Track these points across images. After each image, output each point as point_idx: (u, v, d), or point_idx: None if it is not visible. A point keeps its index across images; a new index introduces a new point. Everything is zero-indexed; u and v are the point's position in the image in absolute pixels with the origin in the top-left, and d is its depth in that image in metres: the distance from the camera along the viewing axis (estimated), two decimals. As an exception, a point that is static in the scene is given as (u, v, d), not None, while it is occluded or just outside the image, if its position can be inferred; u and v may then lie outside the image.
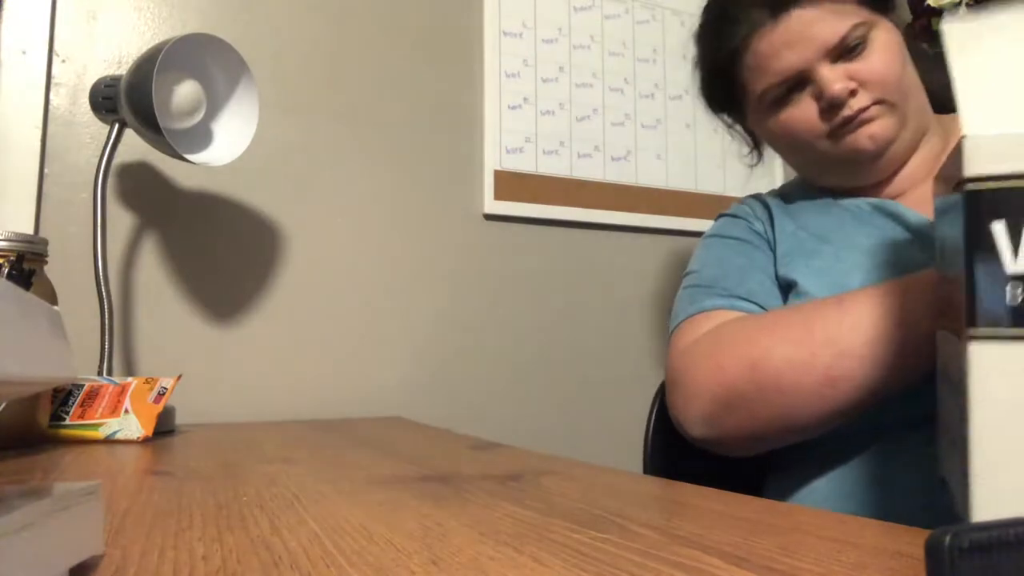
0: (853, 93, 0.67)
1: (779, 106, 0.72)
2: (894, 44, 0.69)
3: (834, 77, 0.67)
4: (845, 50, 0.68)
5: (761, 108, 0.74)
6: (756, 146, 0.86)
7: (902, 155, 0.71)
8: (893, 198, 0.72)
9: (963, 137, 0.34)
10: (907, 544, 0.29)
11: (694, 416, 0.65)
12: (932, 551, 0.18)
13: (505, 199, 1.28)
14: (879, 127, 0.68)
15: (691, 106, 1.47)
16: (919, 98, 0.71)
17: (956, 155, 0.36)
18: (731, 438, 0.63)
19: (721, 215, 0.87)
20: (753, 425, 0.61)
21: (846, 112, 0.68)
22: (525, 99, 1.32)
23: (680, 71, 1.46)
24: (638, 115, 1.42)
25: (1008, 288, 0.33)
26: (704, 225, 1.45)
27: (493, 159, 1.28)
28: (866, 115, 0.68)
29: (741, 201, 0.86)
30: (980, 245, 0.34)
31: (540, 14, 1.35)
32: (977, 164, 0.34)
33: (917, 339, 0.52)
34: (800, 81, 0.70)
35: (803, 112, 0.70)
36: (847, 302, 0.58)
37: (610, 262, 1.37)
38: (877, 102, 0.68)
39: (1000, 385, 0.32)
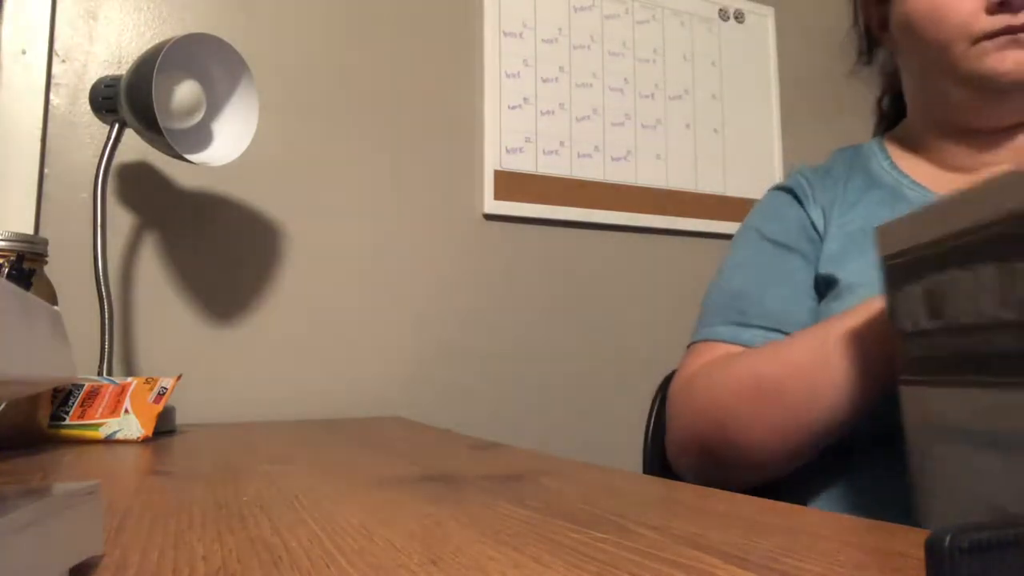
0: None
1: None
2: None
3: None
4: None
5: None
6: (869, 48, 0.76)
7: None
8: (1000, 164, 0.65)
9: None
10: (907, 544, 0.29)
11: (682, 462, 0.66)
12: (932, 551, 0.18)
13: (505, 199, 1.28)
14: None
15: (691, 106, 1.47)
16: None
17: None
18: (712, 480, 0.62)
19: (775, 188, 0.78)
20: (724, 474, 0.62)
21: (1013, 20, 0.59)
22: (525, 99, 1.32)
23: (680, 71, 1.47)
24: (638, 115, 1.42)
25: None
26: (704, 225, 1.46)
27: (493, 159, 1.28)
28: None
29: (802, 174, 0.77)
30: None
31: (540, 14, 1.35)
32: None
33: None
34: None
35: (966, 2, 0.61)
36: (803, 335, 0.57)
37: (610, 262, 1.37)
38: None
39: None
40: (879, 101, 0.81)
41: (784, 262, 0.69)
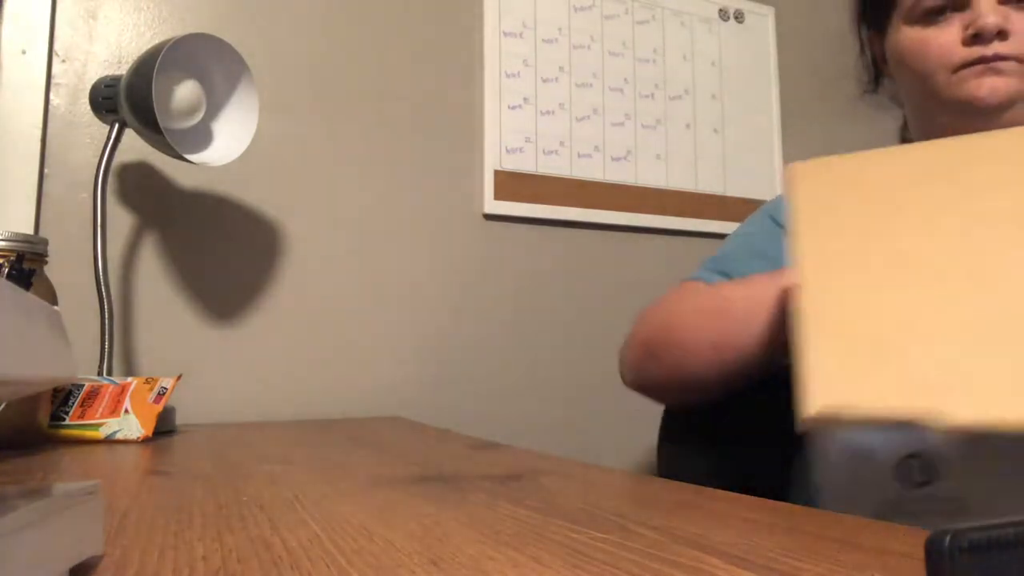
0: (1002, 35, 0.65)
1: (927, 21, 0.70)
2: None
3: (991, 10, 0.65)
4: None
5: (911, 18, 0.72)
6: (876, 78, 0.83)
7: (1013, 124, 0.67)
8: None
9: None
10: (907, 544, 0.29)
11: (626, 364, 0.73)
12: (932, 551, 0.18)
13: (505, 199, 1.28)
14: (1005, 83, 0.66)
15: (691, 106, 1.47)
16: None
17: None
18: (648, 386, 0.72)
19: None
20: (660, 376, 0.69)
21: (985, 51, 0.66)
22: (525, 99, 1.32)
23: (680, 71, 1.47)
24: (638, 115, 1.42)
25: None
26: (704, 225, 1.46)
27: (493, 159, 1.28)
28: (1000, 65, 0.66)
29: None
30: None
31: (540, 14, 1.35)
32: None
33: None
34: (959, 4, 0.68)
35: (946, 36, 0.68)
36: (755, 277, 0.63)
37: (610, 262, 1.37)
38: (1017, 59, 0.66)
39: None
40: (902, 128, 0.85)
41: (780, 243, 0.75)
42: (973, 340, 0.41)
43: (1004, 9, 0.66)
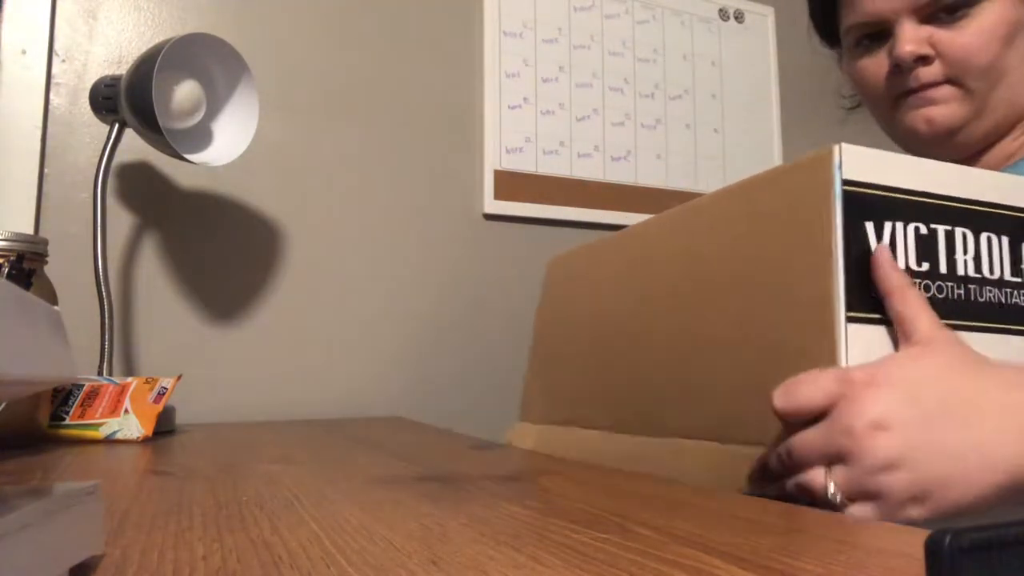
0: (925, 61, 0.61)
1: (860, 51, 0.67)
2: (1004, 22, 0.60)
3: (910, 37, 0.61)
4: (940, 10, 0.61)
5: (847, 46, 0.69)
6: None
7: (973, 147, 0.65)
8: None
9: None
10: (907, 544, 0.29)
11: None
12: (932, 551, 0.18)
13: (505, 199, 1.28)
14: (940, 112, 0.62)
15: (691, 106, 1.47)
16: (1021, 84, 0.63)
17: None
18: None
19: None
20: None
21: (911, 83, 0.62)
22: (525, 99, 1.32)
23: (680, 71, 1.47)
24: (638, 115, 1.42)
25: None
26: (704, 225, 1.46)
27: (493, 159, 1.28)
28: (931, 94, 0.62)
29: None
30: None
31: (540, 14, 1.35)
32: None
33: None
34: (884, 31, 0.64)
35: (876, 67, 0.65)
36: None
37: (610, 262, 1.37)
38: (951, 82, 0.61)
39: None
40: None
41: None
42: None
43: (928, 30, 0.62)
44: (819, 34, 0.77)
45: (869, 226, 0.43)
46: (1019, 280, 0.47)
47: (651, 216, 0.62)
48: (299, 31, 1.18)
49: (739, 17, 1.53)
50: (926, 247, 0.44)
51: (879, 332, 0.42)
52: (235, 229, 1.11)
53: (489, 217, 1.28)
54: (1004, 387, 0.38)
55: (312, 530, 0.32)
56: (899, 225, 0.44)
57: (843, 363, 0.40)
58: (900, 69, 0.63)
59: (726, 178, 1.49)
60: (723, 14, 1.51)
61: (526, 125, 1.31)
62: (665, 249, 0.58)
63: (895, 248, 0.43)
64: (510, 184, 1.29)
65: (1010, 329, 0.46)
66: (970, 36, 0.60)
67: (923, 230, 0.44)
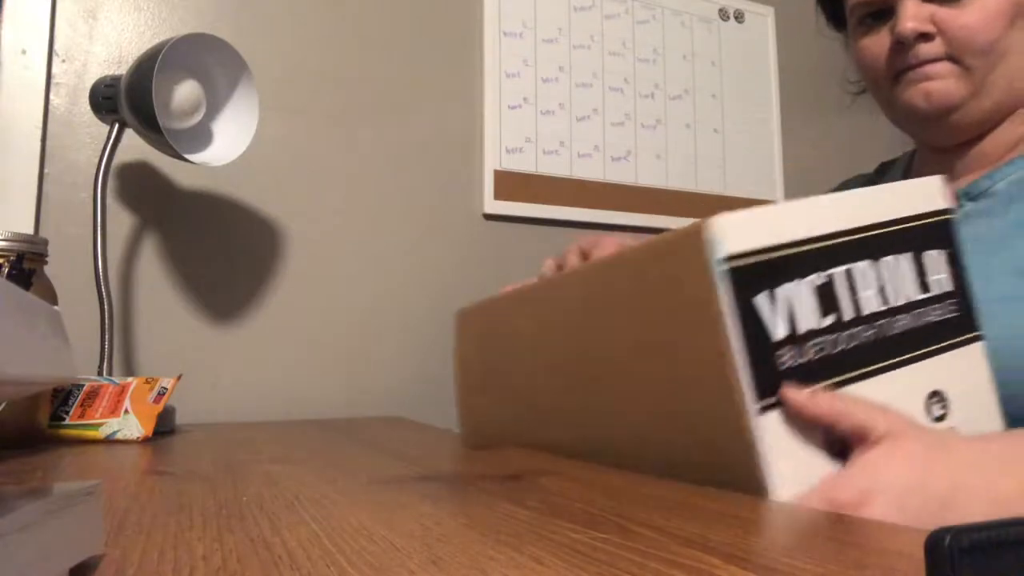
0: (926, 38, 0.62)
1: (863, 30, 0.68)
2: (1007, 2, 0.61)
3: (912, 14, 0.62)
4: None
5: (851, 26, 0.70)
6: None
7: (971, 127, 0.66)
8: (957, 179, 0.67)
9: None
10: (907, 544, 0.29)
11: None
12: (932, 551, 0.18)
13: (505, 199, 1.28)
14: (939, 87, 0.63)
15: (691, 106, 1.47)
16: (1022, 66, 0.63)
17: None
18: None
19: None
20: None
21: (910, 59, 0.63)
22: (525, 99, 1.32)
23: (680, 71, 1.47)
24: (638, 115, 1.42)
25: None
26: (704, 225, 1.46)
27: (493, 159, 1.28)
28: (930, 70, 0.63)
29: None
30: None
31: (540, 14, 1.35)
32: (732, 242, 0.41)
33: None
34: (887, 10, 0.65)
35: (878, 45, 0.66)
36: None
37: (610, 262, 1.37)
38: (951, 59, 0.62)
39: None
40: None
41: None
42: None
43: (930, 8, 0.63)
44: (826, 16, 0.77)
45: (762, 299, 0.40)
46: (926, 295, 0.45)
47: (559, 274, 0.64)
48: (299, 31, 1.18)
49: (739, 17, 1.53)
50: (826, 298, 0.42)
51: (787, 415, 0.40)
52: (235, 229, 1.11)
53: (489, 217, 1.28)
54: (973, 469, 0.40)
55: (312, 530, 0.32)
56: (793, 286, 0.41)
57: (762, 460, 0.39)
58: (902, 46, 0.64)
59: (726, 178, 1.49)
60: (723, 14, 1.51)
61: (526, 125, 1.31)
62: (571, 318, 0.55)
63: (792, 313, 0.40)
64: (510, 184, 1.29)
65: (928, 352, 0.45)
66: (973, 15, 0.61)
67: (820, 280, 0.42)
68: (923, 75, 0.64)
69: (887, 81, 0.67)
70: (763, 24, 1.56)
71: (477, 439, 0.70)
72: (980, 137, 0.67)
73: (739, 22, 1.53)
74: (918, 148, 0.76)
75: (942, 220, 0.47)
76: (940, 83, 0.63)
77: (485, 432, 0.69)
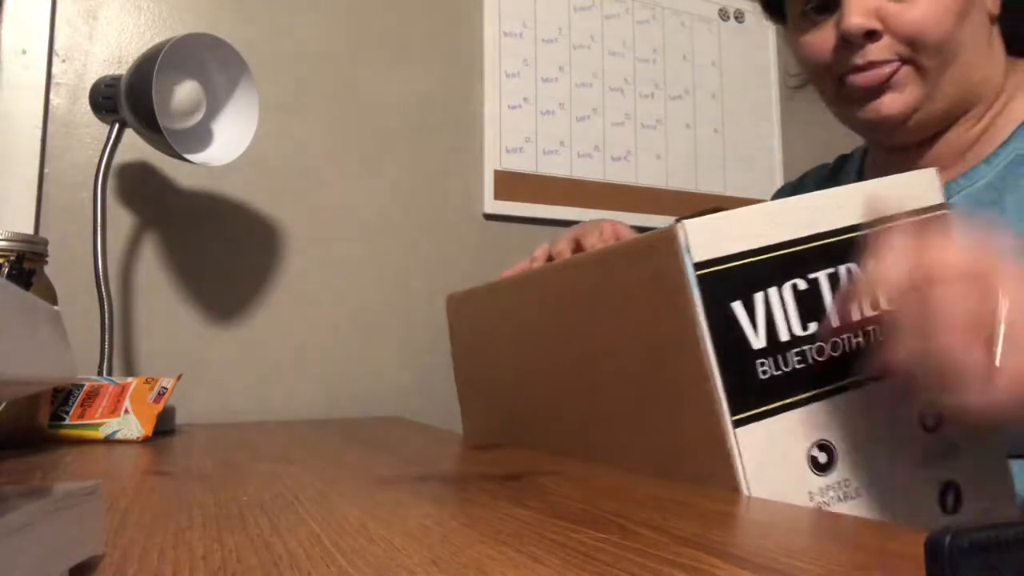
0: (874, 36, 0.58)
1: (806, 23, 0.63)
2: None
3: (859, 9, 0.57)
4: None
5: (794, 18, 0.66)
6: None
7: (924, 131, 0.62)
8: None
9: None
10: (907, 544, 0.29)
11: None
12: (932, 551, 0.18)
13: (505, 199, 1.28)
14: (891, 101, 0.59)
15: (691, 106, 1.47)
16: (975, 63, 0.59)
17: None
18: None
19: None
20: None
21: (857, 59, 0.59)
22: (525, 99, 1.32)
23: (680, 71, 1.46)
24: (638, 115, 1.42)
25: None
26: (704, 225, 1.46)
27: (493, 159, 1.28)
28: (880, 72, 0.58)
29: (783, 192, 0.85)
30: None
31: (540, 14, 1.35)
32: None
33: None
34: (831, 1, 0.60)
35: (823, 39, 0.62)
36: None
37: (610, 262, 1.37)
38: (905, 61, 0.58)
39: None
40: None
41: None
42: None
43: (876, 3, 0.58)
44: (762, 5, 0.72)
45: (737, 307, 0.38)
46: None
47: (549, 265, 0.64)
48: (299, 31, 1.18)
49: (739, 17, 1.53)
50: (810, 304, 0.40)
51: (766, 427, 0.39)
52: (235, 229, 1.11)
53: (489, 217, 1.28)
54: None
55: (312, 530, 0.32)
56: (772, 292, 0.39)
57: (739, 472, 0.38)
58: (848, 44, 0.59)
59: (726, 178, 1.49)
60: (723, 14, 1.51)
61: (526, 125, 1.31)
62: (553, 316, 0.54)
63: (772, 319, 0.39)
64: (510, 184, 1.29)
65: None
66: (923, 9, 0.57)
67: (802, 285, 0.39)
68: (874, 78, 0.59)
69: (832, 80, 0.63)
70: (763, 24, 1.56)
71: (476, 429, 0.70)
72: (934, 138, 0.63)
73: (739, 22, 1.53)
74: (869, 147, 0.73)
75: (936, 216, 0.45)
76: (894, 95, 0.59)
77: (482, 423, 0.69)
